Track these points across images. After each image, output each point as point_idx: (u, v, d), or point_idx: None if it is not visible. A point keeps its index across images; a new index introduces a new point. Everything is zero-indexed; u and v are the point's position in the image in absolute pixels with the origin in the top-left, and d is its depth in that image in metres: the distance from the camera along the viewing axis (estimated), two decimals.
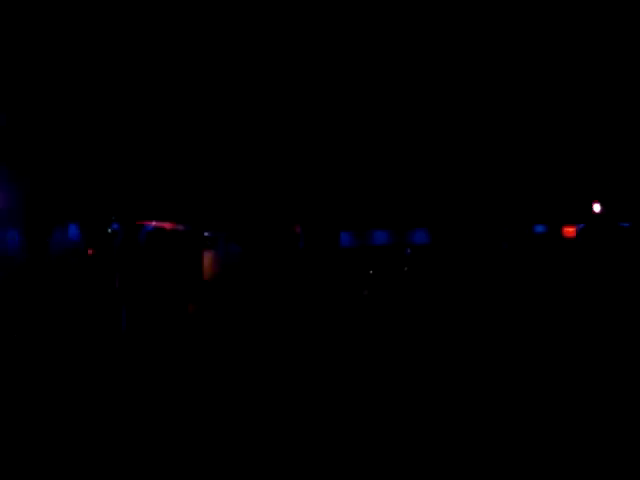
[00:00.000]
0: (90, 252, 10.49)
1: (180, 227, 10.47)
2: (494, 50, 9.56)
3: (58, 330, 10.18)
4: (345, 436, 6.24)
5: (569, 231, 14.76)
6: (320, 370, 8.47)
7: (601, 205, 13.59)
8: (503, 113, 11.94)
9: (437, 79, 10.58)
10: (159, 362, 8.16)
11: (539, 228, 14.95)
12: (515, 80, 10.53)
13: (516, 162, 13.97)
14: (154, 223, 10.01)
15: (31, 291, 11.71)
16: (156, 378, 7.99)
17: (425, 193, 15.33)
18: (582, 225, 14.56)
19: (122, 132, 12.58)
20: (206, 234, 16.84)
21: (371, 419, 6.76)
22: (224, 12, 7.91)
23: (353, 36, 8.57)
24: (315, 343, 9.35)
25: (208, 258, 10.86)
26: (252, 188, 14.99)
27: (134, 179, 13.84)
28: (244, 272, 13.52)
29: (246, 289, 11.91)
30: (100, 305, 11.44)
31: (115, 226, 14.85)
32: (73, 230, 13.91)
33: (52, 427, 6.51)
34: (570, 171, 13.96)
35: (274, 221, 15.36)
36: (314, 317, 10.24)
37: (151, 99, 10.88)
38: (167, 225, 10.36)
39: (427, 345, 9.49)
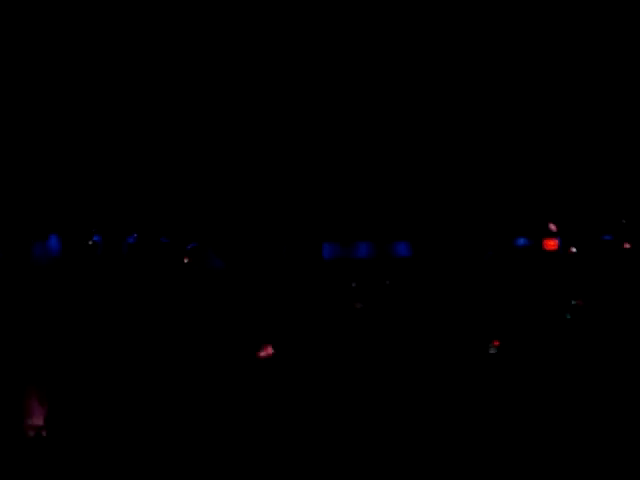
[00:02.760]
0: None
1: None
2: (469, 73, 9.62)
3: (39, 342, 9.97)
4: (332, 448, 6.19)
5: (551, 244, 14.90)
6: (313, 381, 8.41)
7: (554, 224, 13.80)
8: (486, 127, 12.04)
9: (416, 93, 10.63)
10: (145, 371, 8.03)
11: (521, 241, 15.11)
12: (492, 93, 10.62)
13: (499, 176, 14.11)
14: None
15: (9, 303, 11.49)
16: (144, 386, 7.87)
17: (408, 206, 15.40)
18: (564, 238, 14.73)
19: (102, 143, 12.45)
20: (188, 246, 16.71)
21: (362, 434, 6.71)
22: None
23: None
24: (307, 354, 9.30)
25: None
26: (234, 199, 14.94)
27: (116, 190, 13.71)
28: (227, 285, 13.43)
29: (231, 300, 11.81)
30: (82, 316, 11.26)
31: (96, 238, 14.69)
32: (54, 242, 13.72)
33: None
34: (551, 184, 14.12)
35: (257, 232, 15.31)
36: (304, 329, 10.20)
37: (129, 110, 10.77)
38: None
39: (417, 354, 9.49)
